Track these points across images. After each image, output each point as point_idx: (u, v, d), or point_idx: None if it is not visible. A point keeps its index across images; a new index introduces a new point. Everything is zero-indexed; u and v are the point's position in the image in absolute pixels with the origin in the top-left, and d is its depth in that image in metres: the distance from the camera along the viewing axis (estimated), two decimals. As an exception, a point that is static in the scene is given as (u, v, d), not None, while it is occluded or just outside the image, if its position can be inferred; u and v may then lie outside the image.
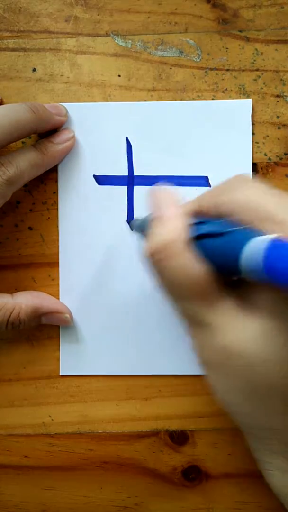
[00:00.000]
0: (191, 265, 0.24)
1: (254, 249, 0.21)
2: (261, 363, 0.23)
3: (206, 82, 0.33)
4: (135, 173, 0.33)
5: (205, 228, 0.24)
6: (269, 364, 0.23)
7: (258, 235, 0.22)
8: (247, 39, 0.32)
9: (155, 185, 0.27)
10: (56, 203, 0.33)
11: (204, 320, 0.24)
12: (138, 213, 0.33)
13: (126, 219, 0.33)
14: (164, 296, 0.25)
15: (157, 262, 0.24)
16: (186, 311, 0.25)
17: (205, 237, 0.24)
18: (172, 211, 0.26)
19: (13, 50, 0.33)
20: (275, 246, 0.21)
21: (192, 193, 0.32)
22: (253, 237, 0.22)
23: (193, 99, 0.33)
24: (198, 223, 0.25)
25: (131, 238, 0.33)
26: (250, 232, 0.22)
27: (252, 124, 0.32)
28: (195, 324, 0.25)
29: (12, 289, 0.33)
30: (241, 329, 0.23)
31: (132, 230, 0.33)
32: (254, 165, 0.32)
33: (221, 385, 0.25)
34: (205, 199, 0.26)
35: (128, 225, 0.33)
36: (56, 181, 0.33)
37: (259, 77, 0.32)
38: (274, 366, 0.23)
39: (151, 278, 0.26)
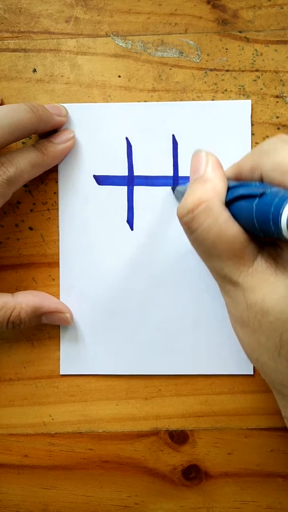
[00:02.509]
0: (226, 224, 0.24)
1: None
2: None
3: (206, 82, 0.33)
4: (135, 173, 0.33)
5: (243, 190, 0.24)
6: None
7: None
8: (247, 40, 0.32)
9: (197, 149, 0.27)
10: (56, 203, 0.33)
11: (237, 279, 0.25)
12: (139, 213, 0.33)
13: (126, 219, 0.33)
14: (199, 255, 0.26)
15: (192, 219, 0.25)
16: (219, 270, 0.25)
17: (242, 198, 0.24)
18: (212, 172, 0.26)
19: (14, 50, 0.33)
20: None
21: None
22: None
23: (193, 99, 0.33)
24: (237, 186, 0.25)
25: (131, 238, 0.33)
26: None
27: (252, 124, 0.32)
28: (228, 282, 0.25)
29: (12, 289, 0.33)
30: (272, 287, 0.24)
31: (174, 195, 0.33)
32: (253, 166, 0.33)
33: (252, 341, 0.25)
34: (245, 162, 0.26)
35: (172, 192, 0.33)
36: (57, 181, 0.33)
37: (259, 77, 0.33)
38: None
39: (184, 235, 0.26)
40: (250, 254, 0.24)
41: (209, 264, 0.26)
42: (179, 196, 0.31)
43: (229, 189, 0.25)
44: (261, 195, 0.23)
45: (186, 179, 0.33)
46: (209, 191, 0.25)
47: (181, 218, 0.25)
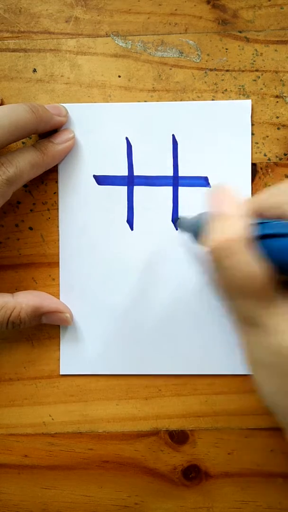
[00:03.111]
0: (251, 264, 0.24)
1: None
2: None
3: (206, 82, 0.33)
4: (135, 173, 0.33)
5: (270, 229, 0.24)
6: None
7: None
8: (247, 40, 0.32)
9: (217, 184, 0.28)
10: (56, 203, 0.33)
11: (260, 320, 0.24)
12: (139, 213, 0.33)
13: (126, 219, 0.33)
14: (219, 293, 0.25)
15: (218, 258, 0.24)
16: (241, 309, 0.25)
17: (269, 237, 0.24)
18: (234, 209, 0.26)
19: (14, 50, 0.33)
20: None
21: (192, 193, 0.33)
22: None
23: (193, 99, 0.33)
24: (262, 222, 0.25)
25: (131, 238, 0.33)
26: None
27: (252, 124, 0.32)
28: (249, 323, 0.25)
29: (12, 289, 0.33)
30: None
31: (177, 228, 0.32)
32: (253, 166, 0.33)
33: (271, 386, 0.25)
34: (265, 199, 0.26)
35: (173, 224, 0.32)
36: (57, 182, 0.33)
37: (259, 77, 0.33)
38: None
39: (204, 274, 0.26)
40: (275, 295, 0.24)
41: (232, 303, 0.25)
42: (186, 230, 0.31)
43: (255, 224, 0.25)
44: None
45: (186, 179, 0.33)
46: (233, 229, 0.24)
47: (210, 255, 0.25)
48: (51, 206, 0.33)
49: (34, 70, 0.33)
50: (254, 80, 0.33)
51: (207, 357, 0.33)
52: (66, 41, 0.33)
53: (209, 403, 0.33)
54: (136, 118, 0.33)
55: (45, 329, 0.33)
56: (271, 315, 0.24)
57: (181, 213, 0.33)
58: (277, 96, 0.33)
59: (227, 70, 0.33)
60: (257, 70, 0.33)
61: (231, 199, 0.26)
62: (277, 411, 0.25)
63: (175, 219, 0.32)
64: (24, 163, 0.30)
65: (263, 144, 0.33)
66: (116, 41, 0.33)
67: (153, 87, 0.33)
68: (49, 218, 0.33)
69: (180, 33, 0.33)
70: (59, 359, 0.33)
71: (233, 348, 0.32)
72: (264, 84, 0.33)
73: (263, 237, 0.24)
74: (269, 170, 0.33)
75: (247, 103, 0.32)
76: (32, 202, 0.33)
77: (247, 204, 0.26)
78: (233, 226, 0.25)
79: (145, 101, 0.33)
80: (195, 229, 0.28)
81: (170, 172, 0.33)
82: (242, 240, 0.24)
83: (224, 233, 0.24)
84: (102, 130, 0.33)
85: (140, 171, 0.33)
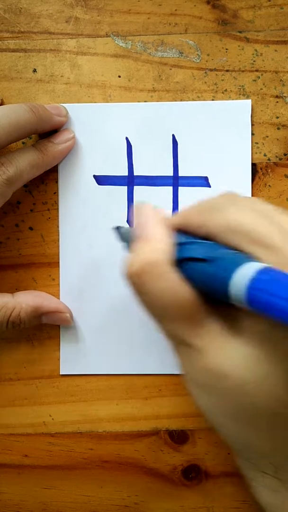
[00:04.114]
0: (175, 287, 0.23)
1: (241, 277, 0.21)
2: (248, 386, 0.22)
3: (206, 82, 0.33)
4: (135, 173, 0.33)
5: (192, 252, 0.23)
6: (256, 388, 0.22)
7: (248, 262, 0.21)
8: (247, 40, 0.33)
9: (139, 203, 0.26)
10: (56, 203, 0.33)
11: (190, 342, 0.23)
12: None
13: (126, 219, 0.33)
14: (147, 316, 0.25)
15: (140, 283, 0.23)
16: (171, 332, 0.24)
17: (192, 260, 0.23)
18: (157, 230, 0.25)
19: (14, 51, 0.33)
20: (260, 278, 0.20)
21: (192, 193, 0.33)
22: (242, 264, 0.21)
23: (193, 99, 0.33)
24: (184, 243, 0.24)
25: (131, 238, 0.33)
26: (239, 258, 0.22)
27: (252, 124, 0.33)
28: (180, 345, 0.24)
29: (12, 289, 0.33)
30: (228, 352, 0.23)
31: (117, 236, 0.31)
32: (253, 166, 0.33)
33: (208, 406, 0.24)
34: (193, 217, 0.25)
35: (115, 232, 0.31)
36: (57, 181, 0.33)
37: (259, 77, 0.33)
38: (261, 390, 0.22)
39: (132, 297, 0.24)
40: (203, 315, 0.23)
41: (160, 326, 0.25)
42: (123, 239, 0.29)
43: (177, 245, 0.24)
44: (210, 260, 0.22)
45: (186, 179, 0.33)
46: (156, 251, 0.23)
47: (128, 280, 0.24)
48: (51, 206, 0.33)
49: (34, 70, 0.33)
50: (254, 80, 0.33)
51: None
52: (66, 41, 0.33)
53: (209, 403, 0.33)
54: (136, 118, 0.33)
55: (45, 329, 0.33)
56: (201, 337, 0.23)
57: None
58: (277, 96, 0.33)
59: (227, 70, 0.33)
60: (257, 70, 0.33)
61: (155, 219, 0.25)
62: (219, 431, 0.25)
63: (115, 228, 0.30)
64: (24, 163, 0.30)
65: (263, 144, 0.33)
66: (116, 41, 0.33)
67: (153, 87, 0.33)
68: (49, 218, 0.33)
69: (180, 33, 0.33)
70: (59, 359, 0.33)
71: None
72: (264, 84, 0.33)
73: (186, 259, 0.23)
74: (269, 170, 0.33)
75: (247, 103, 0.32)
76: (32, 202, 0.33)
77: (173, 220, 0.25)
78: (156, 248, 0.24)
79: (145, 101, 0.33)
80: (127, 241, 0.27)
81: (170, 172, 0.33)
82: (165, 262, 0.23)
83: (146, 254, 0.23)
84: (102, 130, 0.33)
85: (140, 171, 0.33)
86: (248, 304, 0.21)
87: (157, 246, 0.24)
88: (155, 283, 0.23)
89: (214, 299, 0.23)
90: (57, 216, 0.33)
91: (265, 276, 0.20)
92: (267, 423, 0.23)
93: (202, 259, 0.23)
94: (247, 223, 0.23)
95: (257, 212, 0.23)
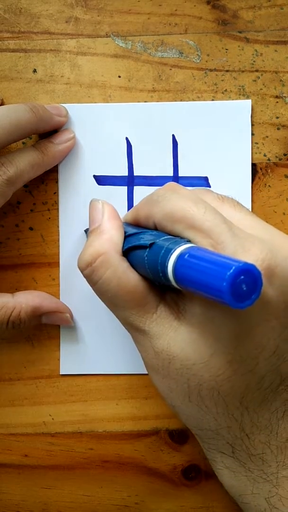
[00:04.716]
0: (125, 275, 0.25)
1: (173, 258, 0.22)
2: (195, 367, 0.24)
3: (206, 83, 0.33)
4: (135, 174, 0.33)
5: (135, 240, 0.25)
6: (203, 368, 0.23)
7: (182, 244, 0.23)
8: (247, 40, 0.33)
9: (93, 199, 0.29)
10: (56, 203, 0.33)
11: (142, 327, 0.25)
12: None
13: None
14: (104, 304, 0.27)
15: (92, 272, 0.25)
16: (125, 320, 0.26)
17: (135, 248, 0.25)
18: (108, 223, 0.27)
19: (14, 51, 0.33)
20: (184, 255, 0.22)
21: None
22: (175, 248, 0.22)
23: (193, 100, 0.33)
24: (133, 234, 0.26)
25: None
26: (177, 243, 0.23)
27: (252, 125, 0.33)
28: (135, 330, 0.26)
29: (12, 289, 0.33)
30: (176, 334, 0.24)
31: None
32: (253, 166, 0.33)
33: (163, 387, 0.26)
34: (140, 209, 0.27)
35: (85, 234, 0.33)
36: (57, 182, 0.33)
37: (259, 78, 0.33)
38: (208, 369, 0.23)
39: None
40: (152, 302, 0.25)
41: (115, 314, 0.26)
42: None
43: (126, 237, 0.26)
44: (150, 245, 0.24)
45: (186, 179, 0.33)
46: (106, 242, 0.26)
47: (81, 271, 0.26)
48: (51, 206, 0.33)
49: (34, 71, 0.33)
50: (254, 81, 0.33)
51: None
52: (66, 41, 0.33)
53: (209, 403, 0.33)
54: (136, 118, 0.33)
55: (45, 329, 0.33)
56: (151, 322, 0.25)
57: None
58: (277, 97, 0.33)
59: (227, 71, 0.33)
60: (257, 71, 0.33)
61: (108, 213, 0.28)
62: (175, 412, 0.26)
63: (85, 230, 0.33)
64: (24, 163, 0.30)
65: (263, 144, 0.33)
66: (116, 42, 0.33)
67: (153, 88, 0.33)
68: (49, 218, 0.33)
69: (180, 34, 0.33)
70: (59, 359, 0.33)
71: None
72: (264, 85, 0.33)
73: (131, 249, 0.25)
74: (269, 171, 0.33)
75: (247, 103, 0.32)
76: (32, 202, 0.33)
77: (126, 215, 0.28)
78: (106, 239, 0.26)
79: (145, 102, 0.33)
80: None
81: (170, 172, 0.33)
82: (115, 253, 0.25)
83: (97, 246, 0.26)
84: (102, 130, 0.33)
85: (140, 171, 0.33)
86: (176, 282, 0.22)
87: (108, 237, 0.26)
88: (105, 272, 0.25)
89: (162, 286, 0.25)
90: (57, 216, 0.33)
91: (191, 254, 0.22)
92: (216, 402, 0.24)
93: (143, 246, 0.24)
94: (184, 209, 0.24)
95: (193, 199, 0.25)
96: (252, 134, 0.33)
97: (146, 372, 0.33)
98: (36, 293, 0.32)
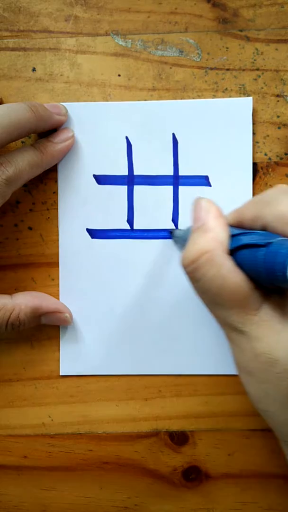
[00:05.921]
0: (229, 274, 0.24)
1: None
2: None
3: (206, 81, 0.32)
4: (135, 173, 0.33)
5: (247, 239, 0.24)
6: None
7: None
8: (247, 39, 0.32)
9: (198, 197, 0.28)
10: (56, 203, 0.33)
11: (243, 328, 0.24)
12: (139, 213, 0.33)
13: (126, 218, 0.33)
14: (202, 303, 0.26)
15: (195, 270, 0.25)
16: (224, 318, 0.25)
17: (246, 247, 0.24)
18: (214, 221, 0.26)
19: (13, 49, 0.33)
20: None
21: (193, 193, 0.33)
22: None
23: (193, 98, 0.32)
24: (239, 234, 0.25)
25: (131, 238, 0.33)
26: None
27: (253, 124, 0.32)
28: (233, 330, 0.25)
29: (11, 289, 0.33)
30: (280, 337, 0.23)
31: (173, 240, 0.33)
32: (254, 165, 0.32)
33: (258, 392, 0.25)
34: (247, 211, 0.26)
35: (171, 236, 0.33)
36: (56, 181, 0.33)
37: (259, 76, 0.32)
38: None
39: (189, 285, 0.26)
40: (255, 303, 0.24)
41: (214, 313, 0.26)
42: (178, 241, 0.32)
43: (232, 236, 0.25)
44: (267, 244, 0.23)
45: (186, 178, 0.32)
46: (211, 241, 0.25)
47: (184, 268, 0.25)
48: (51, 206, 0.33)
49: (34, 69, 0.33)
50: (255, 79, 0.32)
51: (207, 357, 0.33)
52: (66, 40, 0.33)
53: (210, 404, 0.33)
54: (136, 117, 0.32)
55: (45, 329, 0.33)
56: (253, 323, 0.24)
57: (181, 212, 0.33)
58: (277, 95, 0.32)
59: (227, 69, 0.32)
60: (257, 69, 0.32)
61: (213, 211, 0.27)
62: (265, 416, 0.26)
63: (170, 231, 0.32)
64: (23, 163, 0.30)
65: (264, 143, 0.32)
66: (116, 40, 0.33)
67: (153, 86, 0.33)
68: (48, 218, 0.33)
69: (180, 32, 0.33)
70: (58, 360, 0.33)
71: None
72: (264, 83, 0.32)
73: (240, 248, 0.25)
74: (270, 170, 0.32)
75: (248, 101, 0.32)
76: (32, 202, 0.33)
77: (230, 215, 0.27)
78: (212, 237, 0.25)
79: (145, 100, 0.33)
80: (185, 241, 0.29)
81: (170, 171, 0.33)
82: (221, 251, 0.25)
83: (203, 244, 0.25)
84: (102, 129, 0.33)
85: (140, 171, 0.33)
86: None
87: (213, 235, 0.25)
88: (209, 270, 0.24)
89: (266, 287, 0.25)
90: (57, 215, 0.33)
91: None
92: None
93: (257, 244, 0.24)
94: None
95: None
96: (253, 133, 0.32)
97: (146, 373, 0.33)
98: (35, 293, 0.32)
